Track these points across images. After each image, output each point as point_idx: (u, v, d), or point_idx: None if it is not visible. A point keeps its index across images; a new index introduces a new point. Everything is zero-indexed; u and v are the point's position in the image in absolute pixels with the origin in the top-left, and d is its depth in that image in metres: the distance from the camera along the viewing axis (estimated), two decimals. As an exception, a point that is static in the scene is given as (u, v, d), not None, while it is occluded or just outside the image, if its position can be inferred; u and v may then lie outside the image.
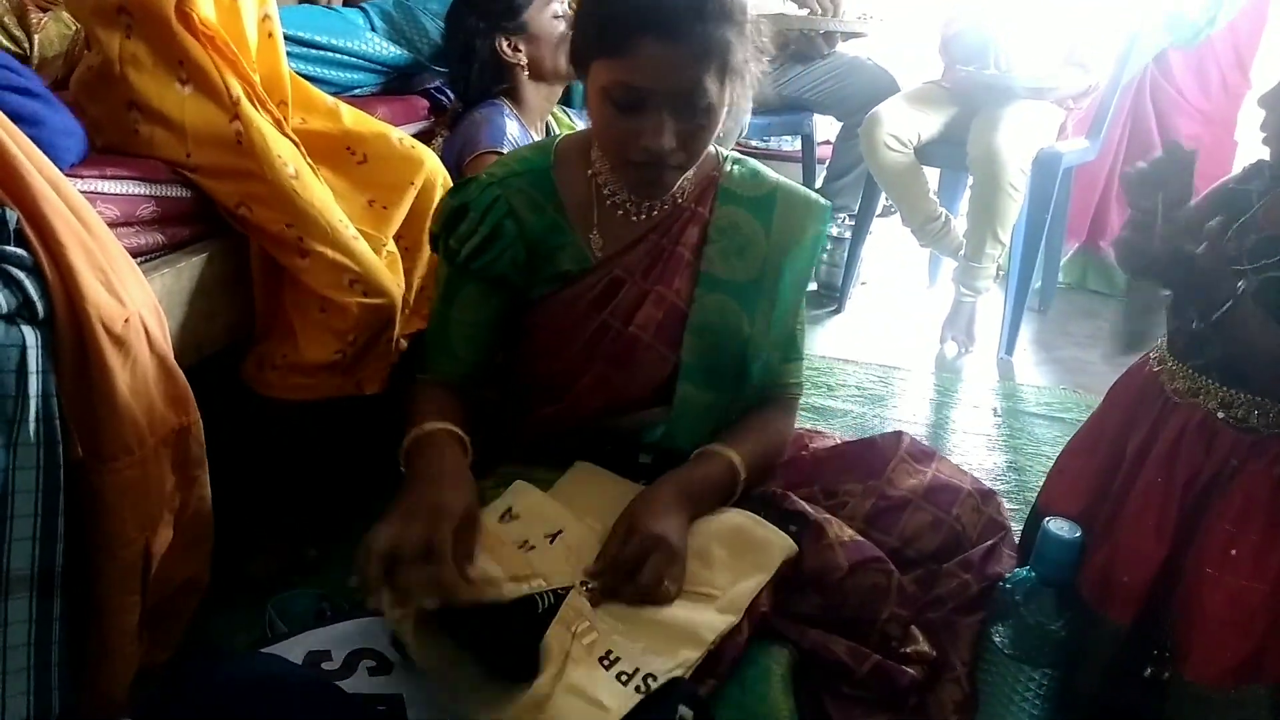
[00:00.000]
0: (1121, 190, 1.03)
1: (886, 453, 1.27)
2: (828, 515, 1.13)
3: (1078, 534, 1.01)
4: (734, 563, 1.07)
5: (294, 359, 1.31)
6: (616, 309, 1.18)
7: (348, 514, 1.50)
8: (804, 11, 2.81)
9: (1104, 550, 1.07)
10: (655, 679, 0.93)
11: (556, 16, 1.84)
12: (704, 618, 1.00)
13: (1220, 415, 1.02)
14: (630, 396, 1.20)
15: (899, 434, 1.31)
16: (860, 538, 1.11)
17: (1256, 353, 0.96)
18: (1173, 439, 1.04)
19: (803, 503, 1.16)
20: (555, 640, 0.95)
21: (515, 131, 1.79)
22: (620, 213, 1.19)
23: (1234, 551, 0.98)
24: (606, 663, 0.95)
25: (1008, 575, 1.09)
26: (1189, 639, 1.00)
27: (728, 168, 1.23)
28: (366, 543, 0.92)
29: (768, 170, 1.26)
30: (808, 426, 2.04)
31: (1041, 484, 1.28)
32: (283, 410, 1.36)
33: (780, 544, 1.09)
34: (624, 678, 0.93)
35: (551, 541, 1.09)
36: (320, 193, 1.25)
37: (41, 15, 1.49)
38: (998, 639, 1.05)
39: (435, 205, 1.25)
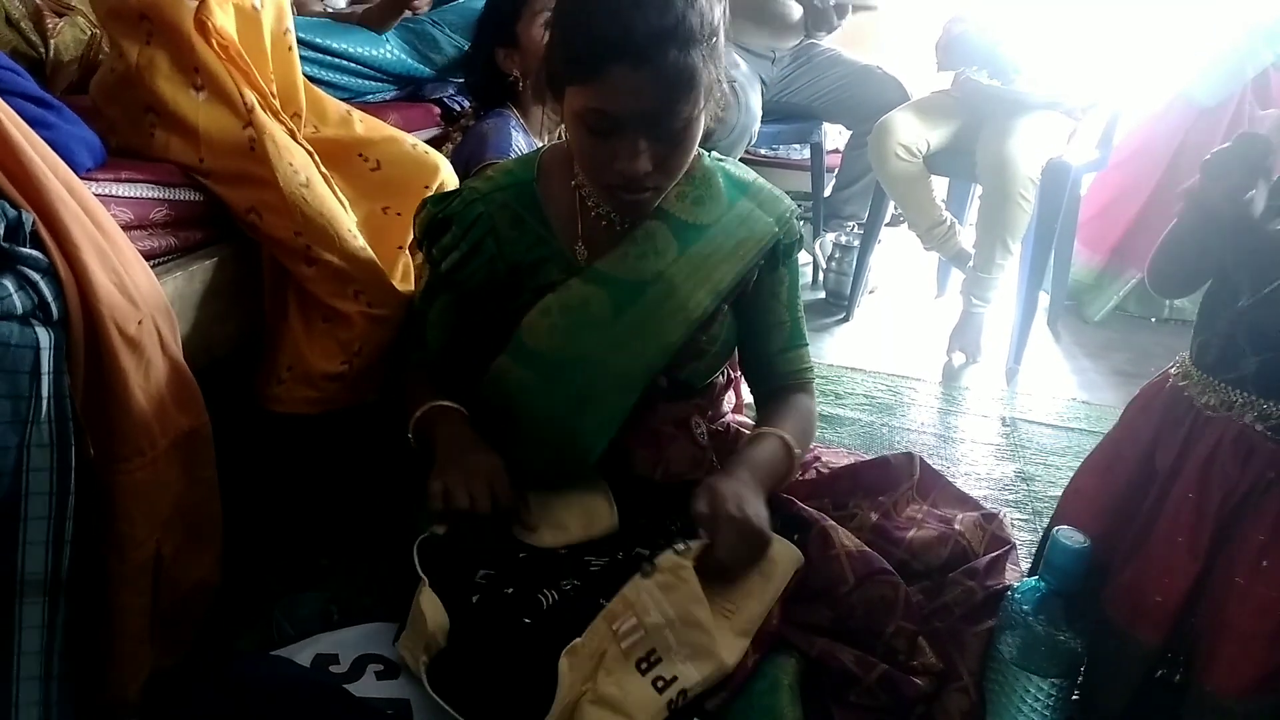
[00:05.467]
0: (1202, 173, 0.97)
1: (899, 475, 1.29)
2: (834, 524, 1.14)
3: (1085, 543, 1.01)
4: (744, 578, 1.08)
5: (300, 369, 1.31)
6: None
7: (354, 519, 1.50)
8: None
9: (1132, 569, 1.05)
10: (686, 695, 0.94)
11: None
12: (727, 640, 1.00)
13: (1259, 428, 0.99)
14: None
15: (910, 457, 1.32)
16: (867, 549, 1.11)
17: None
18: (1206, 454, 1.02)
19: (809, 509, 1.16)
20: (593, 638, 0.95)
21: (522, 143, 1.77)
22: (604, 223, 1.20)
23: (1265, 563, 0.96)
24: (645, 665, 0.95)
25: (1016, 585, 1.08)
26: (1214, 649, 0.99)
27: (706, 163, 1.25)
28: (438, 497, 1.03)
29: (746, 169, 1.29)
30: (817, 439, 2.05)
31: (1050, 496, 1.27)
32: (293, 424, 1.35)
33: (787, 555, 1.10)
34: (660, 684, 0.94)
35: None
36: (330, 202, 1.25)
37: (57, 20, 1.50)
38: (1005, 649, 1.04)
39: (418, 209, 1.25)
